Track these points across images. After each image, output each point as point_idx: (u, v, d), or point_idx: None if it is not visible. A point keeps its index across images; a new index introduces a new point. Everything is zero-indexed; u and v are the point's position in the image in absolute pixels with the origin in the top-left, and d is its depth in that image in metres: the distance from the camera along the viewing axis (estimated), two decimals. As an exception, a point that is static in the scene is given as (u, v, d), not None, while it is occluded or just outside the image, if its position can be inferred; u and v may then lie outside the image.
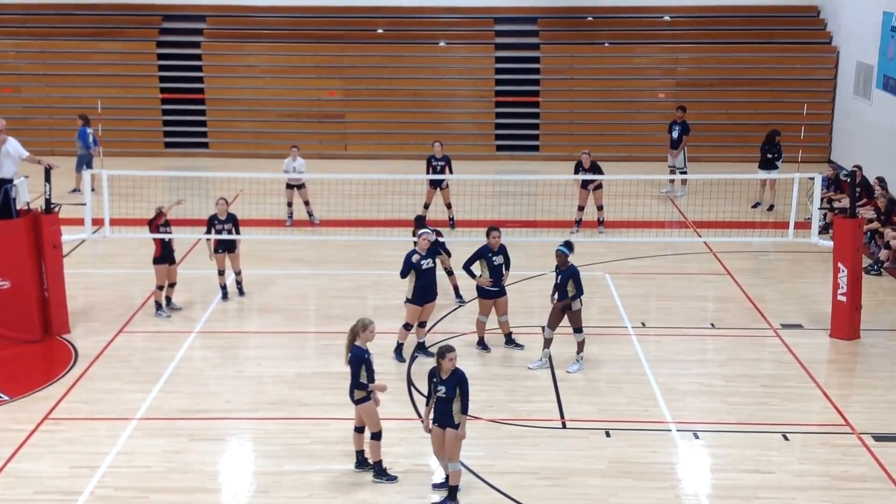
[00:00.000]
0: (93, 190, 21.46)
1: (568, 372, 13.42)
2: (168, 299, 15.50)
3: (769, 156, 21.19)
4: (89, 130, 22.17)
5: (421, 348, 13.98)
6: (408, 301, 13.66)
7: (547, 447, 11.55)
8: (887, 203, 18.30)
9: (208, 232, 15.66)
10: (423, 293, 13.56)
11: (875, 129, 22.63)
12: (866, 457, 11.39)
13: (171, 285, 15.48)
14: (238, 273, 16.12)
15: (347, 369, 10.67)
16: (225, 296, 15.95)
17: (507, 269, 14.04)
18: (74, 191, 21.56)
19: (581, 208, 19.67)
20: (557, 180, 21.32)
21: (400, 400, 12.66)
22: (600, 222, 19.60)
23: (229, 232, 15.68)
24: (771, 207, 21.16)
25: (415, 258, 13.40)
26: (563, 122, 26.28)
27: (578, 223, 19.66)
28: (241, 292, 16.12)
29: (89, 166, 21.95)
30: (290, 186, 19.88)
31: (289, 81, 26.16)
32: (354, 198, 20.43)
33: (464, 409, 10.24)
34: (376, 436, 10.77)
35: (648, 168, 24.28)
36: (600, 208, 19.58)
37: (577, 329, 13.49)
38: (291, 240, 18.80)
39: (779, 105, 25.30)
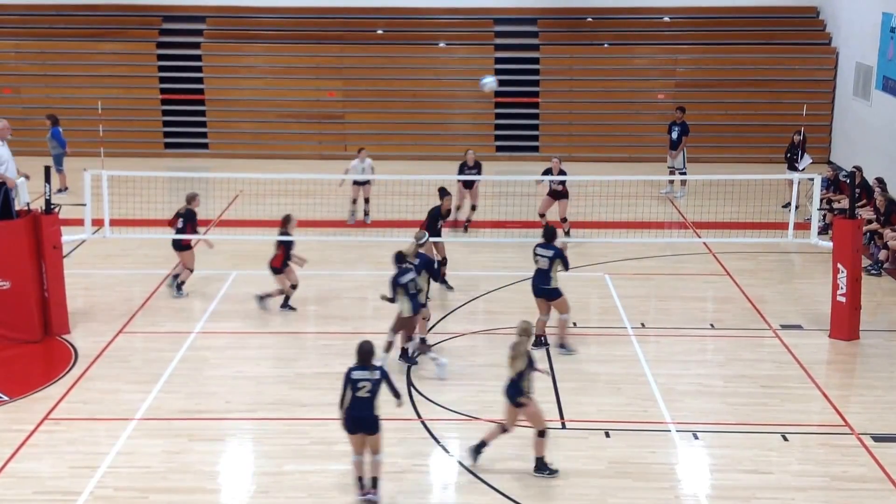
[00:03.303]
0: (66, 189, 21.60)
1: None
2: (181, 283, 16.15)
3: (788, 155, 21.31)
4: (60, 129, 22.25)
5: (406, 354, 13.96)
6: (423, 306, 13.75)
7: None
8: (886, 204, 18.31)
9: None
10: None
11: (874, 129, 22.65)
12: (865, 457, 11.41)
13: (190, 270, 16.20)
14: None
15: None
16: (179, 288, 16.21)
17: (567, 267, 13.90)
18: (61, 190, 21.56)
19: (542, 215, 19.23)
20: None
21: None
22: (566, 232, 19.10)
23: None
24: (786, 205, 21.14)
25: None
26: (563, 122, 26.29)
27: (567, 232, 19.32)
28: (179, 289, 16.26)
29: (60, 164, 21.96)
30: (357, 183, 20.17)
31: (289, 82, 26.17)
32: (354, 198, 20.43)
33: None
34: (542, 433, 10.88)
35: (648, 169, 24.27)
36: (564, 220, 19.03)
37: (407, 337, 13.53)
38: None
39: (778, 106, 25.31)
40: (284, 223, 15.48)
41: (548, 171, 19.14)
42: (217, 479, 10.97)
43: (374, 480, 10.38)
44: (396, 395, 10.50)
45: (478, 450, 11.05)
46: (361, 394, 10.17)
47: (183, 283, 16.16)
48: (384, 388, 10.31)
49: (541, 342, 14.01)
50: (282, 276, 15.42)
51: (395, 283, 13.23)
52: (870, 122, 23.02)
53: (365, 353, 10.27)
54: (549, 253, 13.69)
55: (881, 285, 17.10)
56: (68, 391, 12.85)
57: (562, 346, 14.03)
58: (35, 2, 27.03)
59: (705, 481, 10.97)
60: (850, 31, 24.72)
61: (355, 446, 10.36)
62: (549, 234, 13.87)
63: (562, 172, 19.00)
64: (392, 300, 13.34)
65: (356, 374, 10.21)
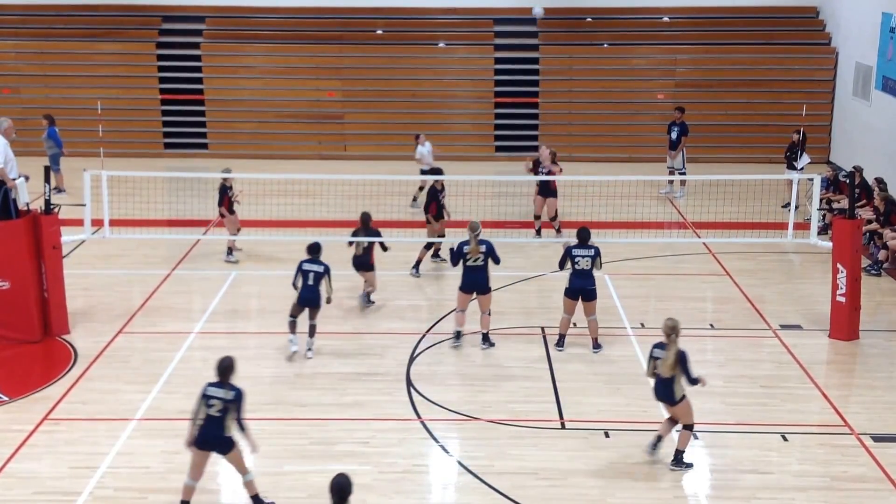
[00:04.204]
0: (63, 191, 21.58)
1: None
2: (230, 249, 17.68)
3: (788, 154, 21.32)
4: (57, 129, 22.23)
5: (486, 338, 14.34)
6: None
7: (546, 448, 11.55)
8: (886, 204, 18.31)
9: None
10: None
11: (874, 129, 22.65)
12: (865, 457, 11.41)
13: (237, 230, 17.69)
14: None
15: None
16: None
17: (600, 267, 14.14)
18: (58, 190, 21.49)
19: (537, 217, 19.27)
20: (557, 181, 21.28)
21: (399, 401, 12.66)
22: (557, 230, 19.11)
23: None
24: (786, 205, 21.12)
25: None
26: (563, 122, 26.29)
27: (538, 231, 19.27)
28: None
29: (56, 164, 21.90)
30: (425, 171, 20.26)
31: (288, 82, 26.16)
32: (353, 199, 20.41)
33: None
34: (690, 427, 11.02)
35: (647, 169, 24.27)
36: (553, 219, 19.07)
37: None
38: (291, 240, 18.75)
39: (778, 106, 25.31)
40: (365, 223, 15.54)
41: (537, 164, 19.18)
42: (217, 479, 10.95)
43: (256, 499, 10.17)
44: (241, 427, 9.88)
45: (655, 445, 11.20)
46: (213, 412, 9.76)
47: (232, 247, 17.68)
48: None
49: (561, 342, 14.19)
50: (372, 273, 15.64)
51: (299, 268, 13.78)
52: (869, 122, 23.03)
53: (223, 369, 9.94)
54: (591, 252, 13.91)
55: (881, 285, 17.10)
56: (68, 391, 12.85)
57: (597, 345, 14.11)
58: (35, 2, 27.02)
59: (705, 481, 10.97)
60: (849, 31, 24.73)
61: (195, 467, 10.00)
62: (585, 235, 14.04)
63: (554, 164, 19.05)
64: (294, 285, 13.80)
65: (210, 391, 9.87)
